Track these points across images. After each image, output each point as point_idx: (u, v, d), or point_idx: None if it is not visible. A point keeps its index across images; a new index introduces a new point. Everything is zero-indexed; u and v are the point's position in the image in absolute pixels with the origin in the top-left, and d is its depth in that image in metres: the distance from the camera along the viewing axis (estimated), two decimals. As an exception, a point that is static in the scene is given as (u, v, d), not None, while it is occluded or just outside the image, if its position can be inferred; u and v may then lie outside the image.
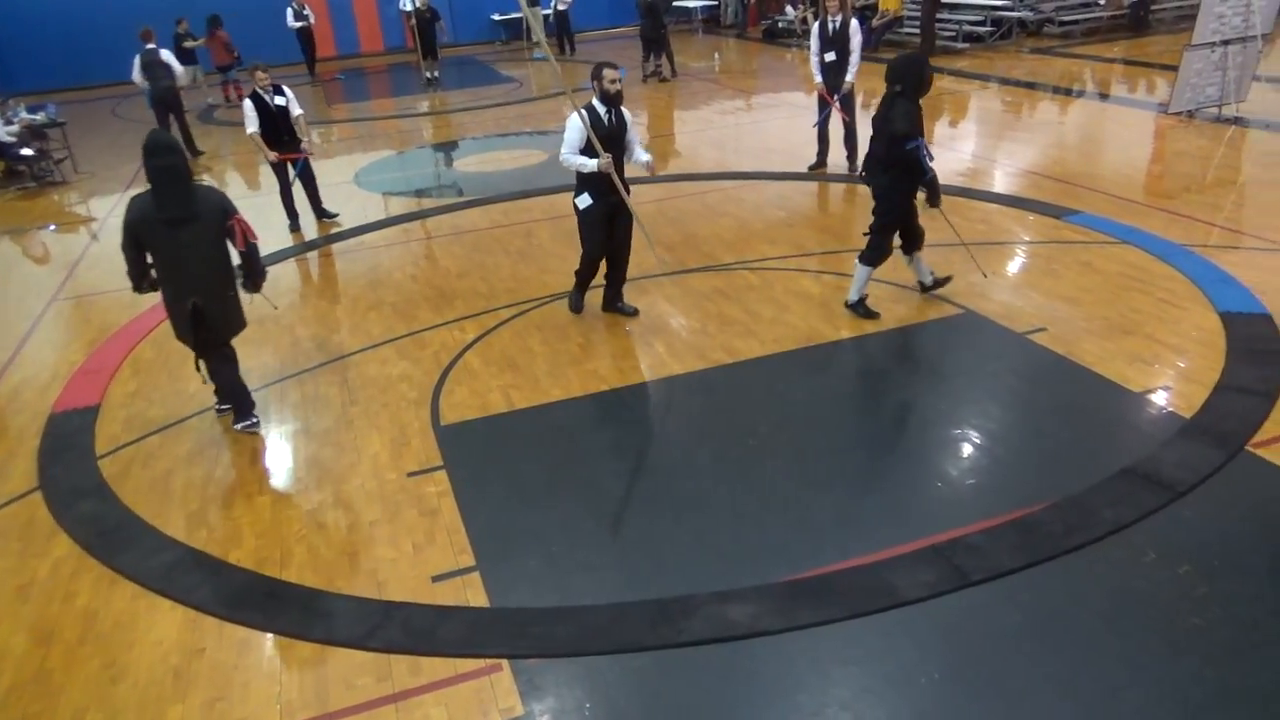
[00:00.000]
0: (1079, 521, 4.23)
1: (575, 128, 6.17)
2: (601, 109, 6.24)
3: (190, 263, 5.23)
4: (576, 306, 6.92)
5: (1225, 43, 10.65)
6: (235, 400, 5.68)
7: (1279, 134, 10.27)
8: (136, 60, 12.73)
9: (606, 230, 6.50)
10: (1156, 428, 4.96)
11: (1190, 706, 3.28)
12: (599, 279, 6.88)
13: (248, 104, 9.07)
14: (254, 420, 5.68)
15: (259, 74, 9.09)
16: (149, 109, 13.15)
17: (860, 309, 6.52)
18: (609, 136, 6.22)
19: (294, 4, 19.38)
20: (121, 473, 5.35)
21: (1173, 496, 4.35)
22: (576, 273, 6.84)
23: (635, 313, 6.84)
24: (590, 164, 6.16)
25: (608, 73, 6.21)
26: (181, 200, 5.12)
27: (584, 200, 6.40)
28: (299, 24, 19.48)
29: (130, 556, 4.58)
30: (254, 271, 5.59)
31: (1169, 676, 3.41)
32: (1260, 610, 3.68)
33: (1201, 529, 4.16)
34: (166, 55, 12.87)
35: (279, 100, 9.10)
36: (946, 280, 6.71)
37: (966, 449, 4.97)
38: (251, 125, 9.05)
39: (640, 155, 6.51)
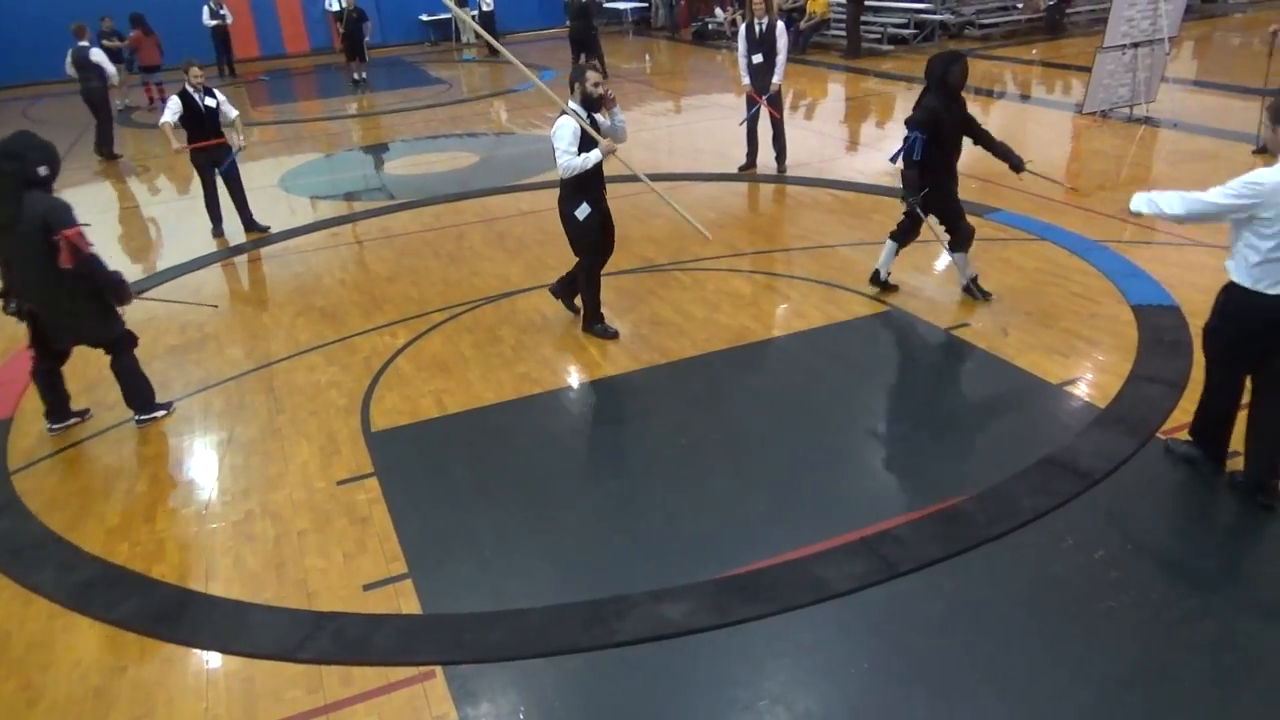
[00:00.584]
0: (1000, 511, 4.35)
1: (569, 130, 5.90)
2: (582, 113, 6.00)
3: (19, 270, 5.26)
4: (609, 333, 6.49)
5: (1135, 45, 11.06)
6: (139, 395, 5.71)
7: (1186, 133, 10.70)
8: (69, 56, 12.63)
9: (601, 237, 6.39)
10: (1073, 418, 5.13)
11: (1106, 685, 3.41)
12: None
13: (174, 99, 8.72)
14: (158, 413, 5.81)
15: (193, 70, 8.80)
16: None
17: (975, 290, 6.60)
18: (591, 140, 5.99)
19: (210, 2, 18.89)
20: (36, 488, 5.17)
21: (1089, 484, 4.51)
22: (584, 298, 6.56)
23: (578, 312, 6.77)
24: (595, 155, 5.93)
25: (591, 75, 6.01)
26: (5, 207, 5.06)
27: (583, 210, 6.16)
28: (214, 22, 18.97)
29: (46, 574, 4.43)
30: (104, 285, 5.36)
31: (1086, 657, 3.53)
32: (1169, 591, 3.84)
33: (1115, 515, 4.32)
34: (98, 55, 12.73)
35: (209, 102, 8.82)
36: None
37: (894, 443, 5.08)
38: (169, 116, 8.68)
39: (618, 124, 6.23)
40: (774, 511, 4.52)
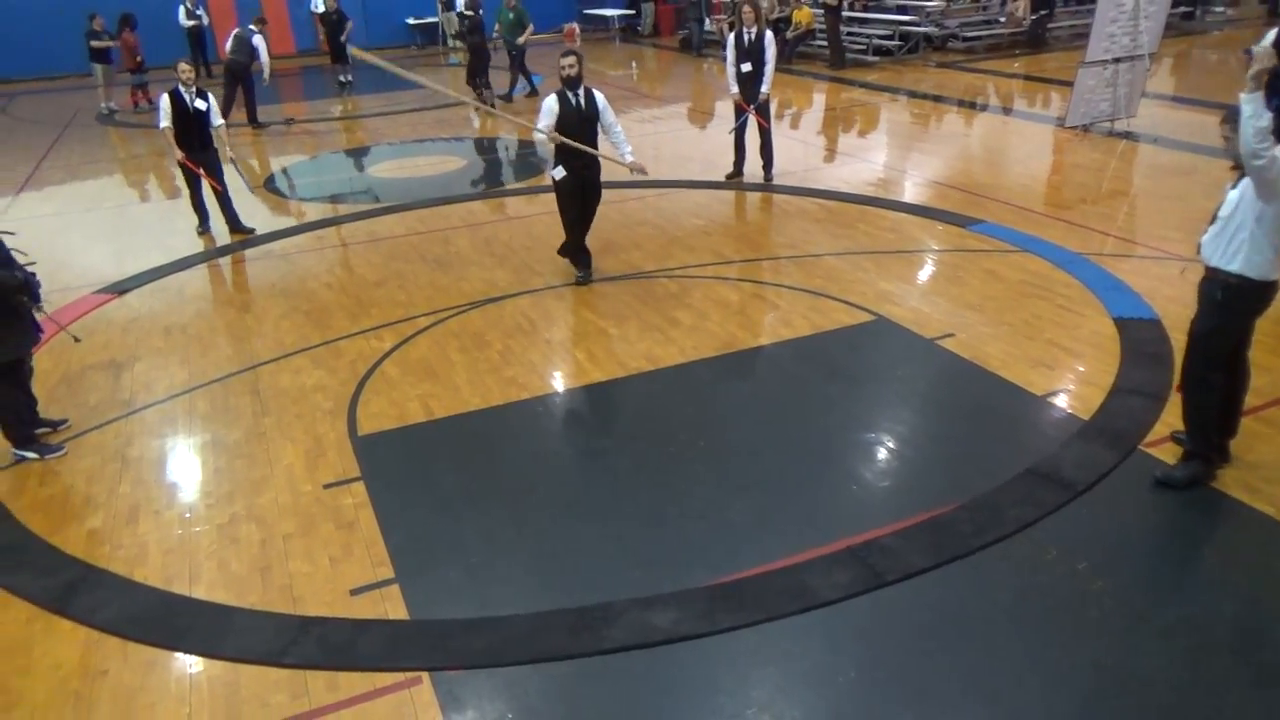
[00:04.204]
0: (986, 521, 4.39)
1: (544, 106, 7.17)
2: (568, 92, 7.14)
3: None
4: (580, 279, 7.56)
5: (1116, 60, 11.19)
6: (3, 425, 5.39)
7: (1166, 148, 10.83)
8: (233, 33, 14.58)
9: (578, 201, 7.37)
10: (1057, 429, 5.18)
11: (1087, 694, 3.44)
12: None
13: (164, 99, 8.68)
14: (21, 458, 5.36)
15: (182, 66, 8.74)
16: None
17: None
18: (578, 115, 7.13)
19: (186, 2, 18.67)
20: (16, 489, 5.10)
21: (1072, 495, 4.55)
22: (562, 246, 7.70)
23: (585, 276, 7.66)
24: (539, 134, 7.28)
25: (561, 59, 7.18)
26: None
27: (559, 172, 7.32)
28: (190, 22, 18.74)
29: (25, 576, 4.38)
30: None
31: (1067, 666, 3.56)
32: (1148, 602, 3.88)
33: (1098, 526, 4.36)
34: (258, 41, 14.34)
35: (199, 104, 8.76)
36: None
37: (880, 452, 5.11)
38: (164, 120, 8.69)
39: (626, 153, 7.35)
40: (761, 520, 4.54)
